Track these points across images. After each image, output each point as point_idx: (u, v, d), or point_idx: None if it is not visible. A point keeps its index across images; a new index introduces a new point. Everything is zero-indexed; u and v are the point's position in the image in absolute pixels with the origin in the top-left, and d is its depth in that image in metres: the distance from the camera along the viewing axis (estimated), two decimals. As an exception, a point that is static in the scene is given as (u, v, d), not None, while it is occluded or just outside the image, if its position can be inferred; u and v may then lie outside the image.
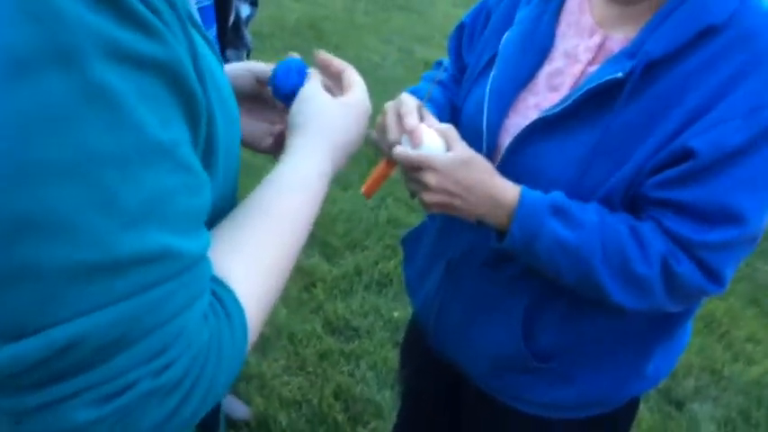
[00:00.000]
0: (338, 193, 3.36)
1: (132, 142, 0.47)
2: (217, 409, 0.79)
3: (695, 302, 1.09)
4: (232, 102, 0.65)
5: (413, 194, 1.08)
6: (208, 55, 0.60)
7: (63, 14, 0.44)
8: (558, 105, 1.00)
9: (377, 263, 2.99)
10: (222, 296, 0.56)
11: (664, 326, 1.11)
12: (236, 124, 0.65)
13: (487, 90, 1.10)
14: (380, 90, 4.25)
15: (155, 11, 0.49)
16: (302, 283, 2.77)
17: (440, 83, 1.29)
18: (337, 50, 5.48)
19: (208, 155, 0.57)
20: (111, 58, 0.46)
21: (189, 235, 0.52)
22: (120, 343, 0.48)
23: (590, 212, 0.98)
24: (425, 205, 1.04)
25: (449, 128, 1.03)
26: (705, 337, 2.83)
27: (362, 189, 1.09)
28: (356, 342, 2.55)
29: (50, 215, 0.44)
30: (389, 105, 1.08)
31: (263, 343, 2.43)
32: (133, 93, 0.47)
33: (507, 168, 1.05)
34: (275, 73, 0.88)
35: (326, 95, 0.81)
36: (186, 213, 0.51)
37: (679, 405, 2.48)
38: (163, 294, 0.49)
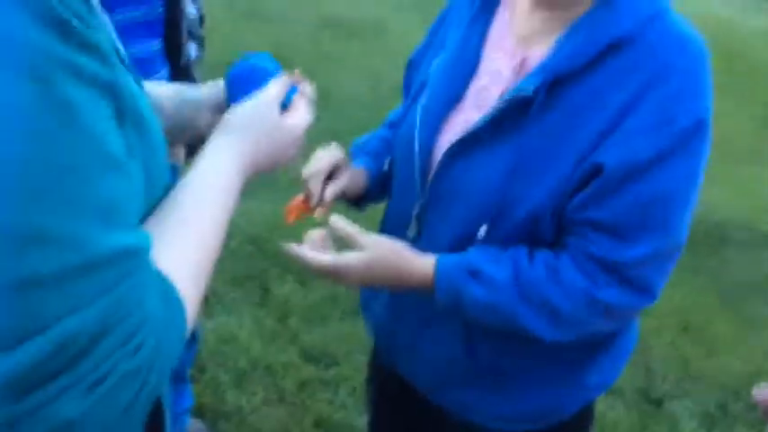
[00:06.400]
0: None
1: (93, 153, 0.53)
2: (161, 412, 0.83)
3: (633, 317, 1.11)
4: (152, 125, 0.68)
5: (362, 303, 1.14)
6: (129, 82, 0.65)
7: (30, 41, 0.50)
8: (477, 122, 1.04)
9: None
10: (164, 282, 0.63)
11: (598, 339, 1.13)
12: (155, 148, 0.69)
13: (418, 112, 1.14)
14: (347, 118, 4.28)
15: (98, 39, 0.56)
16: (277, 314, 2.77)
17: (387, 125, 1.34)
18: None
19: None
20: (72, 77, 0.52)
21: (137, 231, 0.59)
22: (100, 334, 0.53)
23: (505, 265, 1.02)
24: None
25: (348, 229, 1.07)
26: (680, 337, 2.85)
27: (284, 215, 1.18)
28: (335, 369, 2.55)
29: (33, 228, 0.50)
30: (317, 156, 1.18)
31: (240, 377, 2.43)
32: (89, 107, 0.53)
33: (440, 185, 1.10)
34: (233, 80, 0.92)
35: (273, 111, 0.85)
36: (133, 213, 0.59)
37: (658, 403, 2.51)
38: (130, 285, 0.55)
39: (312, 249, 1.05)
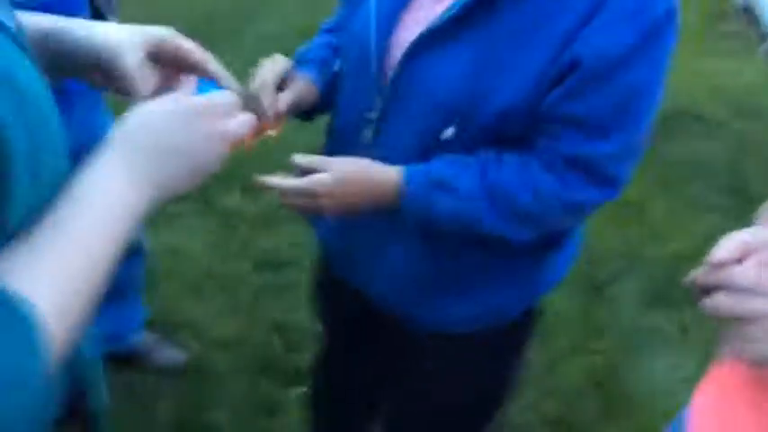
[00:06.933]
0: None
1: None
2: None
3: None
4: (39, 104, 0.60)
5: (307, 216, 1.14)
6: (5, 55, 0.56)
7: None
8: (441, 16, 1.00)
9: (299, 193, 2.98)
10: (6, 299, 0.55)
11: (555, 236, 1.16)
12: (44, 128, 0.61)
13: (373, 7, 1.09)
14: (287, 22, 4.12)
15: None
16: (224, 224, 2.76)
17: (328, 31, 1.29)
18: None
19: None
20: None
21: None
22: None
23: (473, 174, 1.02)
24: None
25: (312, 158, 1.07)
26: (621, 221, 2.93)
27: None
28: (289, 274, 2.57)
29: None
30: (264, 69, 1.11)
31: (193, 289, 2.43)
32: None
33: (401, 85, 1.06)
34: None
35: (159, 107, 0.70)
36: None
37: (599, 289, 2.60)
38: None
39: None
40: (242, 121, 0.75)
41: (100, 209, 0.62)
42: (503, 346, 1.29)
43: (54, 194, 0.62)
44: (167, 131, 0.68)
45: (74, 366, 0.73)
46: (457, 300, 1.19)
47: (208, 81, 0.83)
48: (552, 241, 1.17)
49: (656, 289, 2.64)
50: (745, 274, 0.68)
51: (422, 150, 1.06)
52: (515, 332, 1.29)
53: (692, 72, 4.31)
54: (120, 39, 0.78)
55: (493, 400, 1.36)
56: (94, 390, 0.80)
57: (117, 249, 0.63)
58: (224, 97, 0.75)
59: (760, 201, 0.83)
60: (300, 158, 1.06)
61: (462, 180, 1.02)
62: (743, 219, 0.84)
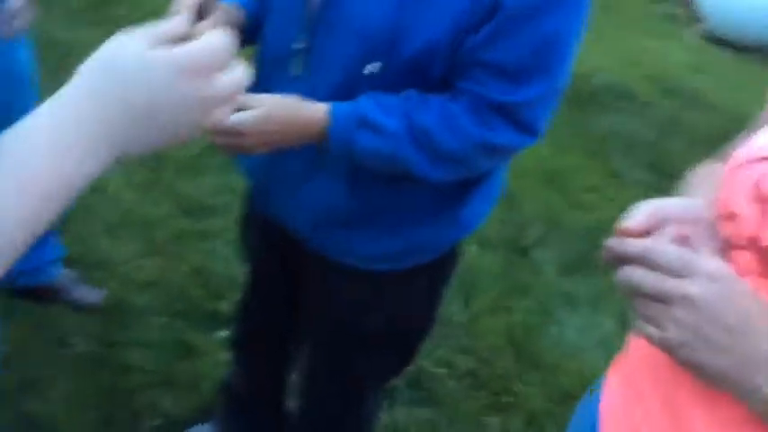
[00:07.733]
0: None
1: None
2: None
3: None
4: None
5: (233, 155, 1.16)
6: None
7: None
8: None
9: (229, 140, 2.91)
10: None
11: (474, 178, 1.18)
12: None
13: None
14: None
15: None
16: (150, 166, 2.67)
17: None
18: None
19: None
20: None
21: None
22: None
23: (398, 112, 1.03)
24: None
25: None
26: (547, 190, 3.00)
27: None
28: (212, 221, 2.52)
29: None
30: None
31: (111, 228, 2.36)
32: None
33: (327, 17, 1.05)
34: None
35: (139, 48, 0.57)
36: None
37: (523, 252, 2.66)
38: None
39: None
40: (235, 79, 0.59)
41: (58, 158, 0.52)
42: (422, 283, 1.31)
43: None
44: (143, 88, 0.54)
45: None
46: (377, 236, 1.20)
47: None
48: (472, 181, 1.19)
49: (576, 256, 2.71)
50: (665, 251, 0.64)
51: (348, 85, 1.06)
52: (435, 271, 1.31)
53: (626, 51, 4.41)
54: None
55: (410, 337, 1.38)
56: None
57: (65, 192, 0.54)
58: (216, 44, 0.60)
59: (681, 178, 0.84)
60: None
61: (387, 119, 1.03)
62: (664, 194, 0.85)
